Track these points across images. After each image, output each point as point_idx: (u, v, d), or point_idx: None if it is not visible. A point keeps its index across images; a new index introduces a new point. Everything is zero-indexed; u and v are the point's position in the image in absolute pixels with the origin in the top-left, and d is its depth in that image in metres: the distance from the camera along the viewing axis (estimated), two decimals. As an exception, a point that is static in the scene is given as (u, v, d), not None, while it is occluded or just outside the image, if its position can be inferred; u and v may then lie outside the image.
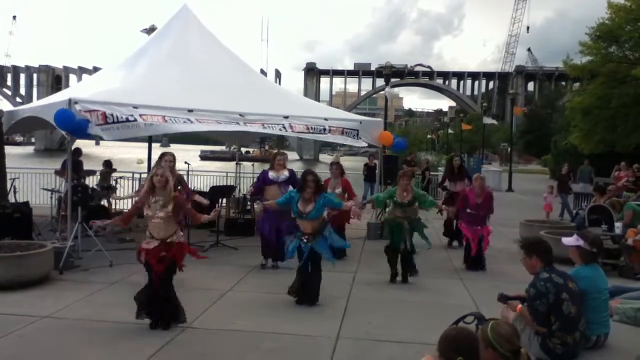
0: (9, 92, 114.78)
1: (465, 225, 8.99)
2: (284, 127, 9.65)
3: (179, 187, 7.69)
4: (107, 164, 13.03)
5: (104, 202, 12.26)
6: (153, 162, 13.26)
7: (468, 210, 8.90)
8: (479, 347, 2.99)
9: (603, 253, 6.36)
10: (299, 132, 9.95)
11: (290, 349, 5.29)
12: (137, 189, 12.88)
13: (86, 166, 12.65)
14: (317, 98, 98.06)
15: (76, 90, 10.80)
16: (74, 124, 7.79)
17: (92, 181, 12.65)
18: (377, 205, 8.87)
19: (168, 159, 8.35)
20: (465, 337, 2.93)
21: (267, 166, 9.27)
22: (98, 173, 12.80)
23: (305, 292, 6.61)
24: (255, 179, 9.95)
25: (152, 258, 5.50)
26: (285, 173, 8.60)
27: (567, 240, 5.22)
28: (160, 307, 5.58)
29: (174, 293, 5.65)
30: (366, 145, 11.56)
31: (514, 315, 4.82)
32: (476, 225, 8.87)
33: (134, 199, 11.47)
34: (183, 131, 9.01)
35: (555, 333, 4.49)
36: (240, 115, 9.21)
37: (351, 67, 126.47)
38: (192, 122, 8.71)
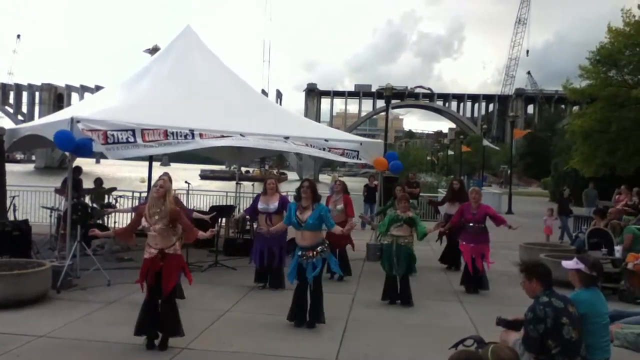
0: (11, 110, 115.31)
1: (464, 245, 8.90)
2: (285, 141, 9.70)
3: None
4: (98, 181, 12.90)
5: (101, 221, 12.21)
6: (153, 181, 13.30)
7: (468, 224, 8.81)
8: None
9: (603, 277, 6.33)
10: (298, 146, 9.94)
11: (288, 371, 5.24)
12: (135, 205, 12.82)
13: (86, 185, 12.64)
14: (317, 119, 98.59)
15: (78, 108, 10.85)
16: (73, 144, 7.82)
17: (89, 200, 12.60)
18: (380, 231, 8.86)
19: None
20: None
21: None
22: (88, 195, 12.38)
23: (309, 312, 6.56)
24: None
25: (151, 271, 5.53)
26: (275, 203, 8.52)
27: (566, 264, 5.20)
28: (159, 324, 5.56)
29: (176, 307, 5.67)
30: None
31: (513, 339, 4.79)
32: (476, 242, 8.75)
33: (132, 214, 11.44)
34: (183, 150, 9.03)
35: (556, 357, 4.45)
36: (241, 135, 9.25)
37: (351, 88, 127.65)
38: (193, 137, 8.73)
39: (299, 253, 6.56)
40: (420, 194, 19.35)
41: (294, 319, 6.58)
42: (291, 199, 9.35)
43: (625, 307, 7.57)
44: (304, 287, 6.56)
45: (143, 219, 5.62)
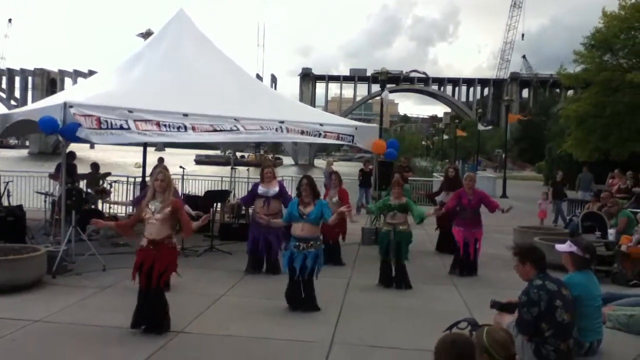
0: (4, 95, 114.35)
1: (458, 229, 8.90)
2: (280, 129, 9.64)
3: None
4: (95, 166, 12.81)
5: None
6: (148, 166, 13.27)
7: (464, 210, 8.79)
8: (475, 353, 2.98)
9: (596, 260, 6.38)
10: (294, 135, 9.92)
11: (284, 354, 5.28)
12: (132, 198, 12.74)
13: (80, 170, 12.59)
14: (312, 103, 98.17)
15: (71, 93, 10.76)
16: (55, 125, 7.73)
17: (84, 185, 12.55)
18: (370, 209, 8.90)
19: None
20: (463, 343, 2.92)
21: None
22: (82, 180, 12.34)
23: (301, 300, 6.62)
24: (250, 185, 10.00)
25: (146, 262, 5.52)
26: (275, 188, 8.55)
27: (560, 247, 5.24)
28: (154, 312, 5.59)
29: (165, 299, 5.68)
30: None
31: (507, 321, 4.83)
32: (470, 227, 8.78)
33: (129, 207, 11.38)
34: (176, 141, 8.99)
35: (549, 340, 4.49)
36: (235, 119, 9.20)
37: (346, 73, 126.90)
38: (186, 130, 8.69)
39: (294, 244, 6.60)
40: (415, 179, 19.42)
41: (290, 304, 6.67)
42: (286, 184, 9.42)
43: (617, 289, 7.64)
44: (295, 279, 6.59)
45: (144, 208, 5.62)
